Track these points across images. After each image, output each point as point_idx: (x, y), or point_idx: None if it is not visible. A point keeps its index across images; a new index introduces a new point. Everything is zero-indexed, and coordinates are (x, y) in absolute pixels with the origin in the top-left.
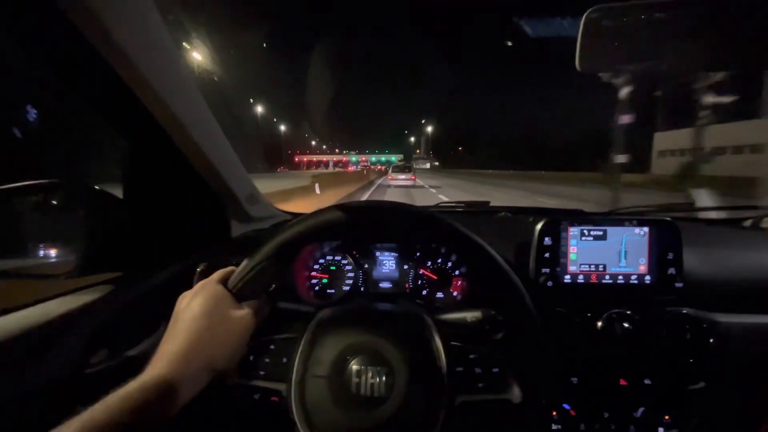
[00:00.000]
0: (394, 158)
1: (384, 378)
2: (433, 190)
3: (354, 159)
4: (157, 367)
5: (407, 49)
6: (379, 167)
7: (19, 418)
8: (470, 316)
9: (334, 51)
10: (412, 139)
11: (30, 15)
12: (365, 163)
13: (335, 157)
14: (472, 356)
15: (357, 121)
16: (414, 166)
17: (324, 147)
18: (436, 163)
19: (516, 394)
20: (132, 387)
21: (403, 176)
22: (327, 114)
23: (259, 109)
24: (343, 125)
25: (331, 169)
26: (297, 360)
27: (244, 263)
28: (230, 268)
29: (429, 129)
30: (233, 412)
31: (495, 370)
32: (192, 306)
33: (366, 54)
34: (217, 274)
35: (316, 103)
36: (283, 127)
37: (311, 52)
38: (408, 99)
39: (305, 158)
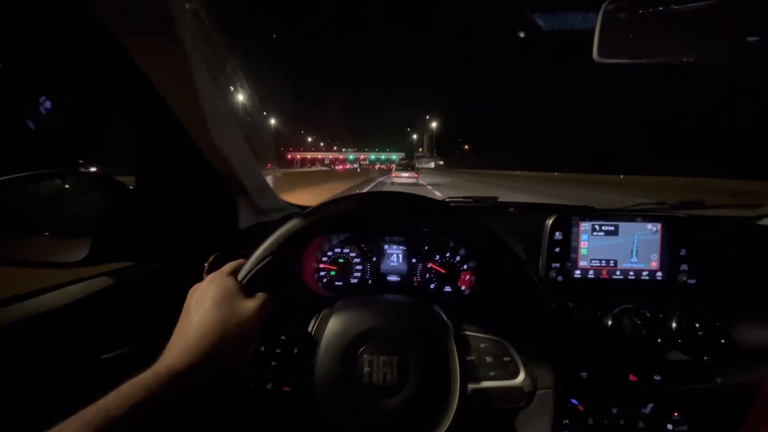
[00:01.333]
0: (394, 156)
1: (395, 368)
2: (438, 194)
3: (351, 157)
4: (169, 358)
5: (411, 42)
6: (379, 166)
7: (37, 402)
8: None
9: (334, 43)
10: (415, 136)
11: (59, 13)
12: (364, 162)
13: (331, 155)
14: (483, 345)
15: (356, 118)
16: (417, 165)
17: (321, 144)
18: (440, 162)
19: (527, 382)
20: (147, 376)
21: (406, 174)
22: (325, 110)
23: (241, 97)
24: (342, 122)
25: (322, 167)
26: (308, 350)
27: (253, 256)
28: (240, 260)
29: (433, 125)
30: (246, 402)
31: (506, 359)
32: (203, 298)
33: (367, 48)
34: (228, 267)
35: (313, 98)
36: (273, 121)
37: (309, 43)
38: (410, 95)
39: (298, 155)
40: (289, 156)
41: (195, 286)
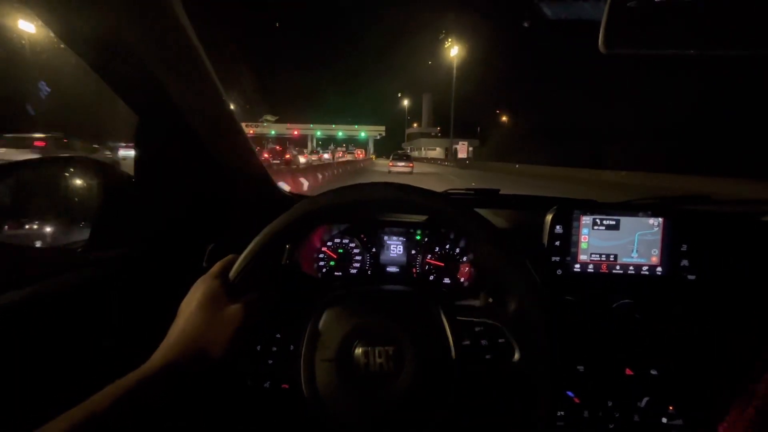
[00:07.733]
0: (364, 134)
1: (392, 357)
2: None
3: (273, 133)
4: (154, 358)
5: None
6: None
7: (34, 391)
8: (478, 302)
9: None
10: (406, 102)
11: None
12: (297, 138)
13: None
14: (477, 329)
15: (312, 78)
16: (412, 155)
17: (264, 117)
18: (468, 148)
19: (523, 361)
20: (132, 376)
21: (402, 164)
22: (257, 64)
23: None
24: (289, 83)
25: None
26: (304, 346)
27: (242, 254)
28: (230, 256)
29: (451, 56)
30: (245, 401)
31: (501, 340)
32: (190, 301)
33: None
34: (217, 267)
35: (235, 43)
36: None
37: None
38: (400, 43)
39: None
40: None
41: (197, 282)
